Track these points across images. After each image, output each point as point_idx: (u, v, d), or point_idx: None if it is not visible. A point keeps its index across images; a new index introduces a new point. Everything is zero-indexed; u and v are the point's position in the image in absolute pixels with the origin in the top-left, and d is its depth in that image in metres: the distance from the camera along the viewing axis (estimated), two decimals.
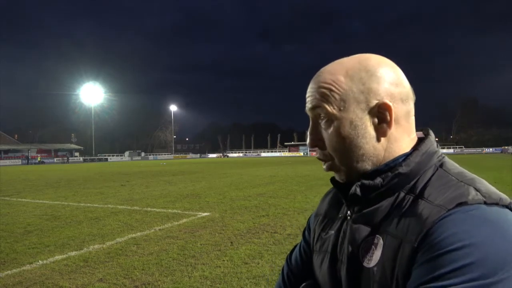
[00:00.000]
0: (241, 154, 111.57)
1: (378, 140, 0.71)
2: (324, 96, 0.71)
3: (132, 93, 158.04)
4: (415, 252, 0.60)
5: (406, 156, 0.72)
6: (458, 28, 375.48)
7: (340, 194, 0.80)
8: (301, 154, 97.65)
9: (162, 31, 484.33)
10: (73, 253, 5.49)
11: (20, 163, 67.36)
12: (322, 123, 0.73)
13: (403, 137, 0.73)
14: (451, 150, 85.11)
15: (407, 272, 0.61)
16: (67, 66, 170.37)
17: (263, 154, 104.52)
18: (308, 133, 0.77)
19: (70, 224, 7.66)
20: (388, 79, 0.71)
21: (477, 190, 0.62)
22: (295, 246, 0.98)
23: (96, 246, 5.86)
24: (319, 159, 0.77)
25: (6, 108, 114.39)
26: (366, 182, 0.71)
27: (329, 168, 0.76)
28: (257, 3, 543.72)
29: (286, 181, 16.72)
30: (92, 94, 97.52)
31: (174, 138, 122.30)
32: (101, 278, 4.42)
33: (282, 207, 9.23)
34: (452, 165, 0.71)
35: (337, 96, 0.70)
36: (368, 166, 0.72)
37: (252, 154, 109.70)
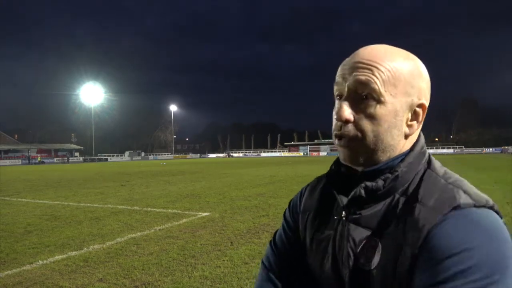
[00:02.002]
0: (241, 154, 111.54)
1: (406, 136, 0.74)
2: (381, 76, 0.70)
3: (132, 93, 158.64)
4: (416, 256, 0.63)
5: (404, 156, 0.73)
6: (457, 28, 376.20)
7: (336, 192, 0.79)
8: (301, 154, 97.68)
9: (162, 31, 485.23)
10: (73, 253, 5.49)
11: (20, 163, 67.35)
12: (365, 100, 0.71)
13: (415, 138, 0.77)
14: (451, 150, 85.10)
15: (409, 275, 0.63)
16: (67, 66, 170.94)
17: (263, 154, 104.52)
18: (343, 104, 0.72)
19: (70, 224, 7.66)
20: (428, 82, 0.76)
21: (465, 192, 0.66)
22: (276, 232, 0.96)
23: (96, 246, 5.86)
24: (340, 135, 0.73)
25: (6, 108, 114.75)
26: (369, 184, 0.71)
27: (348, 145, 0.73)
28: (257, 3, 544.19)
29: (286, 181, 16.73)
30: (92, 94, 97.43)
31: (174, 138, 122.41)
32: (101, 278, 4.42)
33: (282, 207, 9.21)
34: (437, 164, 0.74)
35: (392, 81, 0.71)
36: (386, 158, 0.73)
37: (252, 154, 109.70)
